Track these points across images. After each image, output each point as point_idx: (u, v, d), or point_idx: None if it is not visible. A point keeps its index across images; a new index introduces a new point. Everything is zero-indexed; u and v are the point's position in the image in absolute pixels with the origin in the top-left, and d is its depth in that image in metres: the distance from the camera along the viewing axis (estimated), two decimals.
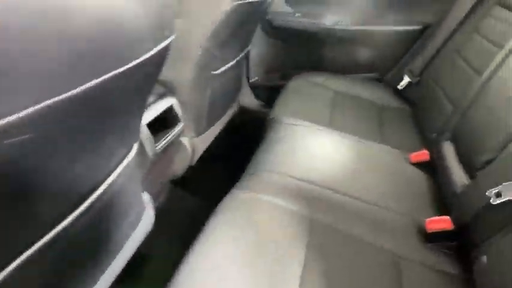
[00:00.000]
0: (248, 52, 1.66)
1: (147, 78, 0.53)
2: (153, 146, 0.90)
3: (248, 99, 1.76)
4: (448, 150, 0.91)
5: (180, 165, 1.20)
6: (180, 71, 1.03)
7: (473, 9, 1.20)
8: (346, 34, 1.50)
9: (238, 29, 1.09)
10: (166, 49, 0.52)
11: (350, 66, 1.58)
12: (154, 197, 0.89)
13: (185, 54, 1.00)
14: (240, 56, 1.35)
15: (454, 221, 0.73)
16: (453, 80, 1.11)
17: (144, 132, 0.88)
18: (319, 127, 1.08)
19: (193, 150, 1.20)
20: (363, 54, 1.54)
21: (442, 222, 0.74)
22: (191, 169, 1.25)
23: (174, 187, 1.28)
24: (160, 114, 0.95)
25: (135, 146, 0.64)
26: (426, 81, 1.29)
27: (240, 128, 1.70)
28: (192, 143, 1.19)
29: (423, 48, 1.36)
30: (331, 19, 1.51)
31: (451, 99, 1.05)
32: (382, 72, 1.55)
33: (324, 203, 0.80)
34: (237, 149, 1.43)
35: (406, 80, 1.39)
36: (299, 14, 1.54)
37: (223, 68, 1.17)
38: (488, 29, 1.08)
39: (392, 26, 1.45)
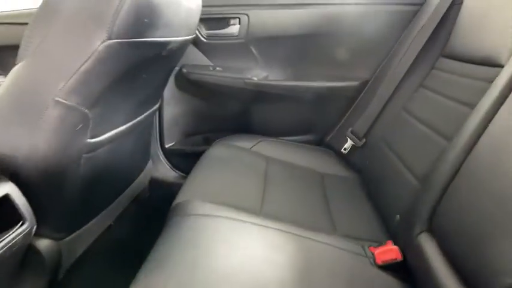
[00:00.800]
0: (161, 110, 1.34)
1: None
2: None
3: (162, 169, 1.41)
4: (427, 246, 0.63)
5: (34, 283, 0.76)
6: (26, 139, 0.66)
7: (415, 62, 1.04)
8: (277, 90, 1.27)
9: (129, 78, 0.78)
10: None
11: (283, 127, 1.33)
12: None
13: (33, 114, 0.65)
14: (143, 115, 1.02)
15: None
16: (410, 144, 0.89)
17: None
18: (248, 218, 0.75)
19: (58, 258, 0.79)
20: (298, 113, 1.31)
21: None
22: (68, 273, 0.84)
23: None
24: None
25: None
26: (374, 143, 1.07)
27: (150, 208, 1.32)
28: (56, 248, 0.78)
29: (364, 106, 1.16)
30: (259, 74, 1.28)
31: (413, 170, 0.81)
32: (320, 133, 1.32)
33: None
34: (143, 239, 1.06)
35: (350, 142, 1.16)
36: (220, 68, 1.29)
37: (108, 134, 0.82)
38: (437, 82, 0.91)
39: (327, 82, 1.25)
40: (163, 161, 1.40)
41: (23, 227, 0.66)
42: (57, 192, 0.74)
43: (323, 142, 1.32)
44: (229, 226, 0.70)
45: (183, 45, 0.95)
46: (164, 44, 0.80)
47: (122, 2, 0.62)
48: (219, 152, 1.10)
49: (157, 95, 1.11)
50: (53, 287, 0.79)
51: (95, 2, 0.63)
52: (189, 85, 1.32)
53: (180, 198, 0.82)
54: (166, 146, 1.39)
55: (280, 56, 1.29)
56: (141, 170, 1.22)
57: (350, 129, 1.17)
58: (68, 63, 0.64)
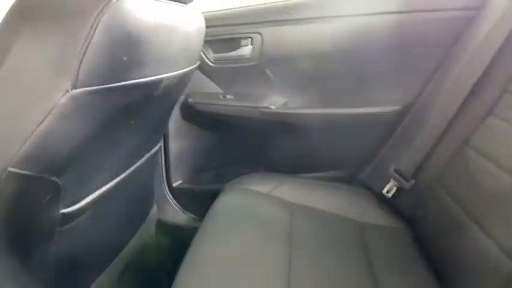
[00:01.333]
0: (166, 145, 1.16)
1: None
2: None
3: (170, 211, 1.22)
4: None
5: None
6: None
7: (479, 83, 0.80)
8: (299, 120, 1.06)
9: (110, 129, 0.60)
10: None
11: (307, 162, 1.12)
12: None
13: None
14: (139, 162, 0.84)
15: None
16: (479, 192, 0.66)
17: None
18: None
19: None
20: (324, 145, 1.10)
21: None
22: None
23: None
24: None
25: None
26: (427, 187, 0.84)
27: (160, 255, 1.14)
28: None
29: (410, 137, 0.94)
30: (276, 101, 1.08)
31: (491, 233, 0.58)
32: (351, 169, 1.10)
33: None
34: None
35: (394, 183, 0.93)
36: (231, 96, 1.10)
37: (90, 198, 0.64)
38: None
39: (359, 108, 1.03)
40: (171, 201, 1.22)
41: None
42: (25, 282, 0.57)
43: (355, 179, 1.09)
44: None
45: (184, 78, 0.77)
46: (155, 84, 0.62)
47: (88, 37, 0.44)
48: (231, 201, 0.90)
49: (157, 135, 0.93)
50: None
51: (54, 40, 0.46)
52: (196, 116, 1.14)
53: (180, 283, 0.62)
54: (174, 185, 1.21)
55: (300, 79, 1.09)
56: (144, 218, 1.04)
57: (393, 166, 0.94)
58: (21, 124, 0.47)
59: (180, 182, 1.21)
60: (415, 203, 0.88)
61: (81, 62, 0.44)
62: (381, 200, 0.97)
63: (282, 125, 1.08)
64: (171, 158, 1.17)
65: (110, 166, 0.70)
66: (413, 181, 0.89)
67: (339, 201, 0.96)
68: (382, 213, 0.93)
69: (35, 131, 0.46)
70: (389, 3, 1.00)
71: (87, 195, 0.65)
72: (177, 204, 1.22)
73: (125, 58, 0.50)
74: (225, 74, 1.13)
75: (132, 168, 0.81)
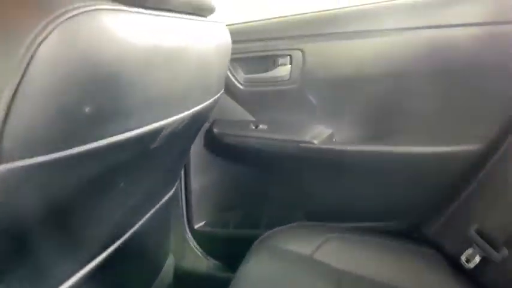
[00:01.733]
0: (187, 180, 1.00)
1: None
2: None
3: (190, 257, 1.05)
4: None
5: None
6: None
7: None
8: (348, 158, 0.86)
9: (81, 202, 0.43)
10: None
11: (356, 210, 0.91)
12: None
13: None
14: (146, 216, 0.67)
15: None
16: None
17: None
18: None
19: None
20: (380, 189, 0.88)
21: None
22: None
23: None
24: None
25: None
26: None
27: None
28: None
29: (498, 185, 0.71)
30: (320, 133, 0.89)
31: None
32: (415, 220, 0.89)
33: None
34: None
35: (476, 251, 0.71)
36: (264, 126, 0.91)
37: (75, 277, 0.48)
38: None
39: (427, 146, 0.82)
40: (192, 246, 1.05)
41: None
42: None
43: (419, 233, 0.87)
44: None
45: (202, 114, 0.60)
46: (150, 135, 0.44)
47: (17, 77, 0.27)
48: (263, 265, 0.72)
49: (171, 179, 0.76)
50: None
51: None
52: (222, 147, 0.96)
53: None
54: (196, 227, 1.04)
55: (350, 107, 0.89)
56: (158, 273, 0.88)
57: (474, 226, 0.72)
58: None
59: (203, 223, 1.04)
60: (508, 281, 0.66)
61: (5, 121, 0.27)
62: (456, 268, 0.75)
63: (325, 163, 0.88)
64: (193, 196, 1.00)
65: (98, 237, 0.53)
66: (505, 251, 0.67)
67: (399, 267, 0.75)
68: (454, 280, 0.71)
69: None
70: (468, 13, 0.79)
71: (69, 278, 0.49)
72: (199, 248, 1.05)
73: (87, 109, 0.32)
74: (258, 99, 0.94)
75: (136, 227, 0.64)
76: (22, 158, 0.28)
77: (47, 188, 0.34)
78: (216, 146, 0.96)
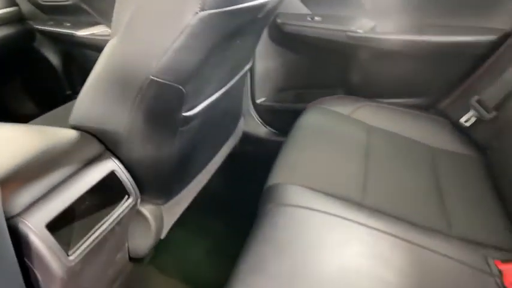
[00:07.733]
0: (253, 65, 1.27)
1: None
2: (62, 259, 0.54)
3: (253, 125, 1.38)
4: None
5: (141, 243, 0.83)
6: (126, 116, 0.66)
7: None
8: (386, 46, 1.08)
9: (222, 48, 0.71)
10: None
11: (388, 88, 1.16)
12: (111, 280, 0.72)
13: (130, 92, 0.63)
14: (235, 78, 0.96)
15: None
16: None
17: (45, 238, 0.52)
18: (350, 213, 0.67)
19: (161, 221, 0.84)
20: (408, 72, 1.12)
21: None
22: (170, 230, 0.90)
23: (137, 266, 0.92)
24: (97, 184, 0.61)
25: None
26: (508, 120, 0.87)
27: (242, 162, 1.33)
28: (159, 212, 0.82)
29: (501, 68, 0.93)
30: (364, 24, 1.10)
31: None
32: (432, 98, 1.13)
33: None
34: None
35: (473, 114, 0.96)
36: (319, 18, 1.13)
37: (202, 105, 0.79)
38: None
39: (452, 36, 1.02)
40: (254, 116, 1.37)
41: (129, 201, 0.69)
42: (157, 165, 0.75)
43: (434, 107, 1.12)
44: (329, 226, 0.64)
45: (277, 4, 0.83)
46: (262, 7, 0.70)
47: None
48: (314, 119, 1.01)
49: (250, 55, 1.03)
50: (158, 245, 0.86)
51: None
52: (283, 37, 1.20)
53: (273, 180, 0.78)
54: (258, 102, 1.34)
55: (392, 1, 1.08)
56: (234, 128, 1.21)
57: (476, 97, 0.96)
58: (159, 41, 0.59)
59: (263, 99, 1.34)
60: (493, 134, 0.92)
61: None
62: (457, 128, 1.01)
63: (367, 50, 1.11)
64: (257, 77, 1.28)
65: (216, 80, 0.83)
66: (494, 113, 0.91)
67: (416, 127, 1.02)
68: (456, 140, 0.98)
69: (170, 47, 0.58)
70: None
71: (200, 103, 0.80)
72: (259, 118, 1.36)
73: None
74: None
75: (229, 84, 0.93)
76: (215, 8, 0.55)
77: (218, 29, 0.61)
78: (278, 34, 1.20)
